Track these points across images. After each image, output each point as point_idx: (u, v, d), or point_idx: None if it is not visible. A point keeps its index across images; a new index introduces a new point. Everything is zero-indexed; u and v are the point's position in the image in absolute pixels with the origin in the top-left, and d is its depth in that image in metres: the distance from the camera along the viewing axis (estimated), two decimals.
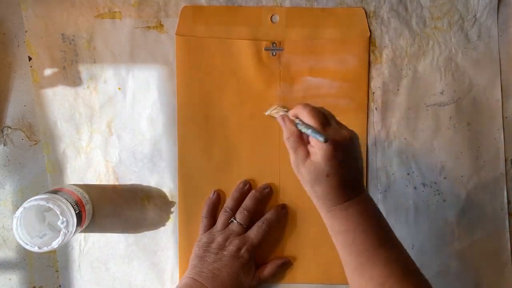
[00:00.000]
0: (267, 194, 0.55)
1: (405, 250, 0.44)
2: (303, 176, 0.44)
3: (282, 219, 0.56)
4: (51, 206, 0.48)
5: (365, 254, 0.43)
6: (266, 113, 0.53)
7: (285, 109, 0.50)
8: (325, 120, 0.44)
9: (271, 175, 0.56)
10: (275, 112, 0.51)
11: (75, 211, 0.50)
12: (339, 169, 0.42)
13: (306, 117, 0.44)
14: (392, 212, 0.56)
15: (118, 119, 0.56)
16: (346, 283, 0.56)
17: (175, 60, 0.55)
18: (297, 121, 0.45)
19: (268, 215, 0.54)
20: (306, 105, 0.45)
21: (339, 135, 0.43)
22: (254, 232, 0.53)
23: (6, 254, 0.56)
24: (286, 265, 0.56)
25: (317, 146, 0.42)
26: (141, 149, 0.56)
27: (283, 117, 0.46)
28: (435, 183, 0.56)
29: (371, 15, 0.55)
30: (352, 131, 0.44)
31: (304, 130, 0.43)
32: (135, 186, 0.56)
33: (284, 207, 0.55)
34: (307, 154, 0.43)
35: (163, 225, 0.56)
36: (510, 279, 0.56)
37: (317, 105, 0.46)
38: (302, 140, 0.44)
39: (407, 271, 0.42)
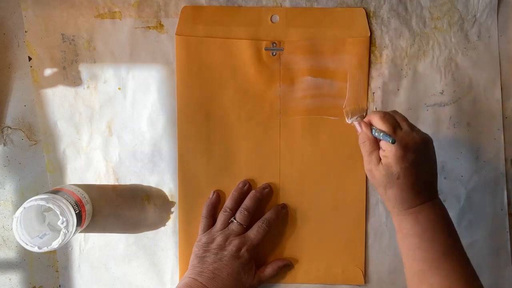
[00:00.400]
0: (267, 194, 0.55)
1: (470, 264, 0.44)
2: (376, 180, 0.46)
3: (282, 219, 0.56)
4: (51, 206, 0.48)
5: (428, 261, 0.43)
6: (348, 121, 0.54)
7: (356, 117, 0.54)
8: (396, 123, 0.46)
9: (271, 175, 0.56)
10: (358, 121, 0.52)
11: (75, 211, 0.50)
12: (410, 172, 0.44)
13: (377, 122, 0.47)
14: None
15: (118, 119, 0.56)
16: (346, 283, 0.56)
17: (175, 60, 0.55)
18: (373, 126, 0.47)
19: (268, 214, 0.54)
20: (378, 112, 0.48)
21: (410, 138, 0.45)
22: (254, 232, 0.53)
23: (6, 254, 0.56)
24: (287, 267, 0.56)
25: (388, 149, 0.44)
26: (141, 149, 0.56)
27: (360, 122, 0.49)
28: None
29: (371, 15, 0.55)
30: (425, 135, 0.46)
31: (376, 134, 0.47)
32: (135, 186, 0.56)
33: (284, 206, 0.55)
34: (379, 158, 0.46)
35: (163, 225, 0.56)
36: (510, 279, 0.56)
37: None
38: (376, 145, 0.47)
39: (468, 283, 0.42)
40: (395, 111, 0.48)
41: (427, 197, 0.45)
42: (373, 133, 0.47)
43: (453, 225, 0.46)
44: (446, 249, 0.43)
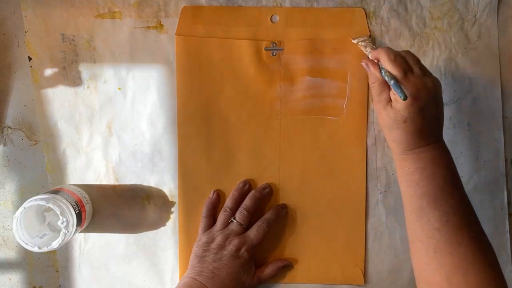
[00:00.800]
0: (267, 194, 0.55)
1: (469, 202, 0.44)
2: (383, 119, 0.46)
3: (282, 219, 0.56)
4: (51, 206, 0.48)
5: (426, 196, 0.43)
6: (354, 41, 0.53)
7: (374, 46, 0.52)
8: (407, 67, 0.45)
9: (271, 175, 0.56)
10: (363, 45, 0.52)
11: (75, 211, 0.50)
12: (418, 116, 0.44)
13: (388, 65, 0.45)
14: (392, 212, 0.56)
15: (118, 119, 0.56)
16: (346, 283, 0.56)
17: (175, 60, 0.55)
18: (381, 66, 0.46)
19: (268, 214, 0.54)
20: (389, 51, 0.46)
21: (421, 84, 0.44)
22: (254, 232, 0.53)
23: (6, 254, 0.56)
24: (287, 267, 0.56)
25: (398, 95, 0.44)
26: (141, 149, 0.56)
27: (367, 62, 0.48)
28: None
29: (371, 15, 0.55)
30: (436, 79, 0.46)
31: (386, 78, 0.45)
32: (135, 186, 0.56)
33: (284, 206, 0.55)
34: (389, 99, 0.45)
35: (163, 225, 0.56)
36: (510, 279, 0.56)
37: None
38: (386, 85, 0.46)
39: (465, 220, 0.42)
40: (407, 51, 0.47)
41: (431, 140, 0.45)
42: (382, 74, 0.46)
43: (454, 166, 0.46)
44: (445, 185, 0.43)
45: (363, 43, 0.52)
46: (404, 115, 0.44)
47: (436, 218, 0.43)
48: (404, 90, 0.44)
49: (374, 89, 0.47)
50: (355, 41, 0.54)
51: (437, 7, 0.55)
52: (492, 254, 0.43)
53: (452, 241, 0.42)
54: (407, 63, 0.45)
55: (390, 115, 0.45)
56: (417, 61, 0.46)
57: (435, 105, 0.45)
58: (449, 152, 0.46)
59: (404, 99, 0.43)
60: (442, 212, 0.43)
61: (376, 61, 0.48)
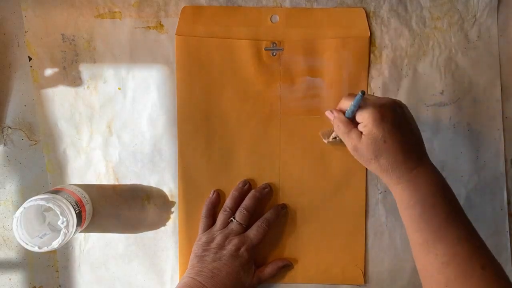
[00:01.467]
0: (267, 194, 0.55)
1: (474, 229, 0.43)
2: (364, 156, 0.45)
3: (282, 219, 0.56)
4: (51, 206, 0.48)
5: (431, 230, 0.42)
6: (325, 141, 0.54)
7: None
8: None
9: (271, 175, 0.56)
10: (333, 136, 0.53)
11: (75, 211, 0.50)
12: (394, 131, 0.43)
13: (345, 102, 0.47)
14: (392, 212, 0.56)
15: (118, 119, 0.56)
16: (346, 283, 0.56)
17: (175, 60, 0.55)
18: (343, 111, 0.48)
19: (268, 214, 0.54)
20: (344, 97, 0.48)
21: (382, 101, 0.45)
22: (253, 232, 0.53)
23: (6, 254, 0.56)
24: (287, 267, 0.56)
25: (365, 117, 0.44)
26: (141, 149, 0.56)
27: (331, 110, 0.49)
28: None
29: (371, 15, 0.55)
30: (395, 99, 0.46)
31: (348, 112, 0.46)
32: (135, 186, 0.56)
33: (284, 206, 0.55)
34: (360, 133, 0.45)
35: (163, 225, 0.56)
36: (510, 279, 0.56)
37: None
38: (351, 124, 0.47)
39: (474, 250, 0.41)
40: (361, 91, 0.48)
41: (419, 159, 0.44)
42: (346, 114, 0.47)
43: (451, 190, 0.44)
44: (448, 215, 0.42)
45: (332, 135, 0.53)
46: (379, 134, 0.43)
47: (444, 252, 0.41)
48: (363, 105, 0.44)
49: (341, 130, 0.47)
50: (326, 141, 0.54)
51: (437, 7, 0.55)
52: (504, 281, 0.41)
53: (462, 274, 0.40)
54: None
55: (368, 142, 0.44)
56: (371, 95, 0.47)
57: (405, 118, 0.45)
58: (442, 175, 0.45)
59: (362, 93, 0.43)
60: (449, 245, 0.41)
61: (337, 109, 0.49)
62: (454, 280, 0.40)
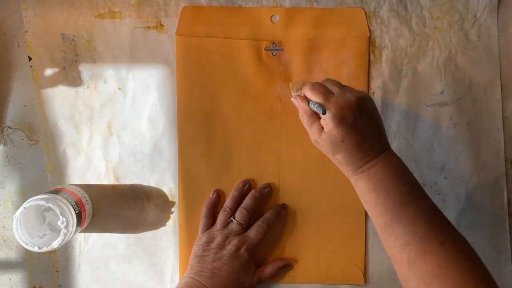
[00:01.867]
0: (267, 194, 0.55)
1: (435, 208, 0.43)
2: (321, 148, 0.47)
3: (282, 219, 0.56)
4: (51, 206, 0.48)
5: (388, 213, 0.43)
6: (293, 96, 0.52)
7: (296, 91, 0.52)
8: (326, 91, 0.46)
9: (271, 175, 0.56)
10: (295, 91, 0.52)
11: (75, 211, 0.50)
12: (352, 132, 0.44)
13: (309, 94, 0.47)
14: None
15: (118, 119, 0.56)
16: (346, 283, 0.56)
17: (175, 60, 0.55)
18: (309, 100, 0.48)
19: (268, 214, 0.54)
20: (309, 83, 0.48)
21: (344, 100, 0.45)
22: (253, 232, 0.53)
23: (6, 254, 0.56)
24: (287, 267, 0.56)
25: (327, 116, 0.44)
26: (141, 149, 0.56)
27: (296, 97, 0.49)
28: (435, 183, 0.56)
29: (371, 15, 0.55)
30: (359, 92, 0.46)
31: (311, 106, 0.47)
32: (135, 186, 0.56)
33: (284, 206, 0.55)
34: (321, 127, 0.46)
35: (163, 225, 0.56)
36: (510, 279, 0.56)
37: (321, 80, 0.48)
38: (315, 116, 0.47)
39: (433, 227, 0.41)
40: (326, 79, 0.48)
41: (376, 151, 0.45)
42: (310, 105, 0.47)
43: (409, 173, 0.45)
44: (404, 198, 0.43)
45: (294, 90, 0.52)
46: (338, 135, 0.44)
47: (403, 233, 0.42)
48: (325, 108, 0.44)
49: (305, 121, 0.48)
50: (294, 96, 0.52)
51: (437, 7, 0.55)
52: (470, 255, 0.41)
53: (422, 251, 0.41)
54: (326, 88, 0.46)
55: (327, 140, 0.45)
56: (336, 83, 0.47)
57: (367, 116, 0.45)
58: (401, 160, 0.45)
59: (323, 113, 0.44)
60: (406, 225, 0.42)
61: (303, 96, 0.49)
62: (415, 258, 0.41)
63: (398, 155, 0.56)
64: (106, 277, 0.56)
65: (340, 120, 0.44)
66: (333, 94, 0.45)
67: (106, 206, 0.56)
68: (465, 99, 0.56)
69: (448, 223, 0.43)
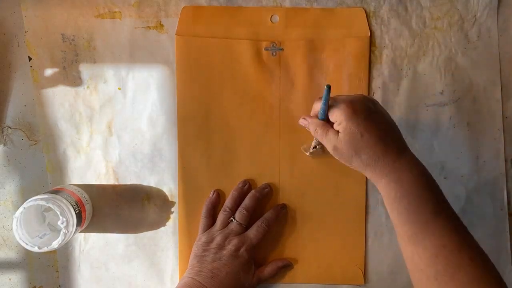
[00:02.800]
0: (267, 194, 0.55)
1: (460, 220, 0.42)
2: (344, 154, 0.45)
3: (282, 219, 0.56)
4: (51, 206, 0.48)
5: (419, 222, 0.41)
6: (308, 154, 0.54)
7: (318, 143, 0.52)
8: (333, 97, 0.46)
9: (271, 175, 0.56)
10: (313, 149, 0.53)
11: (75, 211, 0.50)
12: (370, 124, 0.43)
13: (315, 106, 0.48)
14: None
15: (118, 119, 0.56)
16: (346, 283, 0.56)
17: (175, 60, 0.55)
18: (317, 114, 0.48)
19: (268, 214, 0.54)
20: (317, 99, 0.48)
21: (351, 97, 0.45)
22: (253, 232, 0.53)
23: (6, 254, 0.56)
24: (287, 267, 0.56)
25: (337, 115, 0.44)
26: (141, 149, 0.56)
27: (304, 117, 0.50)
28: None
29: (371, 15, 0.55)
30: (365, 95, 0.47)
31: (320, 114, 0.47)
32: (135, 186, 0.56)
33: (283, 206, 0.55)
34: (337, 132, 0.45)
35: (163, 225, 0.56)
36: (510, 279, 0.56)
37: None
38: (327, 125, 0.47)
39: (463, 242, 0.41)
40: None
41: (400, 151, 0.44)
42: (319, 117, 0.47)
43: (435, 181, 0.44)
44: (436, 208, 0.42)
45: (316, 146, 0.53)
46: (356, 129, 0.43)
47: (433, 244, 0.40)
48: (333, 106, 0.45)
49: (319, 134, 0.47)
50: (310, 153, 0.54)
51: (437, 7, 0.55)
52: (495, 273, 0.41)
53: (452, 265, 0.39)
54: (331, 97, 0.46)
55: (346, 139, 0.44)
56: (340, 94, 0.47)
57: (379, 112, 0.45)
58: (425, 167, 0.44)
59: (328, 87, 0.44)
60: (438, 237, 0.41)
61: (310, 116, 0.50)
62: (444, 272, 0.40)
63: None
64: (106, 277, 0.56)
65: (353, 112, 0.43)
66: (339, 97, 0.46)
67: (106, 206, 0.56)
68: (465, 99, 0.56)
69: (473, 237, 0.42)
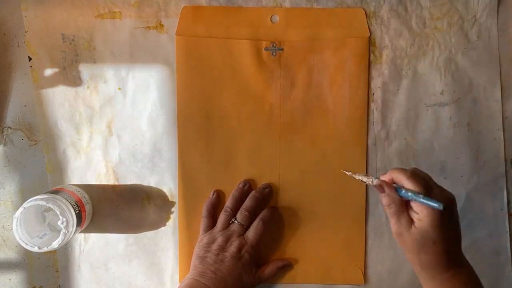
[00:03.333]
0: (267, 194, 0.55)
1: None
2: (407, 245, 0.43)
3: (280, 218, 0.55)
4: (51, 206, 0.48)
5: None
6: (348, 173, 0.51)
7: (371, 176, 0.48)
8: (427, 184, 0.43)
9: (271, 175, 0.56)
10: (359, 178, 0.49)
11: (75, 211, 0.50)
12: (446, 235, 0.41)
13: (408, 183, 0.43)
14: None
15: (118, 119, 0.56)
16: (346, 283, 0.56)
17: (175, 60, 0.55)
18: (396, 185, 0.44)
19: (263, 213, 0.54)
20: (401, 170, 0.44)
21: (444, 198, 0.42)
22: (251, 233, 0.53)
23: (6, 254, 0.56)
24: (287, 267, 0.56)
25: (423, 212, 0.41)
26: (141, 149, 0.56)
27: (382, 183, 0.45)
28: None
29: (371, 15, 0.55)
30: (450, 193, 0.43)
31: (412, 197, 0.42)
32: (135, 186, 0.56)
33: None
34: (411, 221, 0.42)
35: (163, 225, 0.56)
36: (510, 279, 0.56)
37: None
38: (404, 206, 0.43)
39: None
40: (415, 168, 0.44)
41: (457, 260, 0.43)
42: (402, 193, 0.43)
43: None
44: None
45: (359, 177, 0.50)
46: (433, 236, 0.41)
47: None
48: (440, 203, 0.41)
49: (392, 211, 0.43)
50: (348, 173, 0.51)
51: (437, 7, 0.55)
52: None
53: None
54: (424, 179, 0.43)
55: (416, 237, 0.41)
56: (430, 178, 0.44)
57: (456, 221, 0.43)
58: (480, 281, 0.43)
59: (444, 209, 0.40)
60: None
61: (392, 184, 0.45)
62: None
63: (398, 155, 0.56)
64: (106, 277, 0.56)
65: (440, 222, 0.40)
66: (432, 189, 0.42)
67: (106, 206, 0.56)
68: (465, 99, 0.56)
69: None
